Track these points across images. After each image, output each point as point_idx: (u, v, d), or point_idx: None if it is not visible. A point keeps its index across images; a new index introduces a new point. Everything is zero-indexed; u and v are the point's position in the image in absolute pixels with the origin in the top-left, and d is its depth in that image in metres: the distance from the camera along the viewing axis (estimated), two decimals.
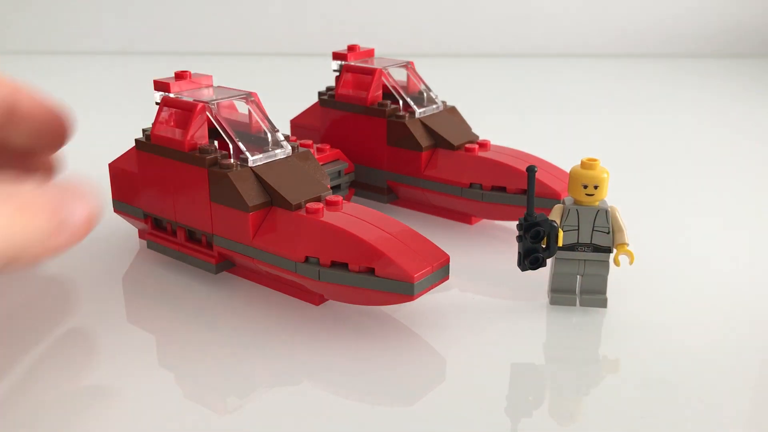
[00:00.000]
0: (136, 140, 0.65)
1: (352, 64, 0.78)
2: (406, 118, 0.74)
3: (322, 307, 0.60)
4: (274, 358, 0.54)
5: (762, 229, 0.77)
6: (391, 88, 0.76)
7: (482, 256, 0.69)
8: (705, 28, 1.75)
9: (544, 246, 0.57)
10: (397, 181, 0.76)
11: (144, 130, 0.66)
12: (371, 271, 0.54)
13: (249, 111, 0.64)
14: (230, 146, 0.61)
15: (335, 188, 0.74)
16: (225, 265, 0.64)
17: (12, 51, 1.74)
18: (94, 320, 0.59)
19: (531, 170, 0.56)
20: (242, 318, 0.59)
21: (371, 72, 0.76)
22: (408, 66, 0.79)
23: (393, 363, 0.53)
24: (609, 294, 0.60)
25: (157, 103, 0.64)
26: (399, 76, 0.78)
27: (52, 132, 0.62)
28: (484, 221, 0.77)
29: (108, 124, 1.16)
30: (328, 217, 0.57)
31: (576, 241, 0.58)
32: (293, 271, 0.57)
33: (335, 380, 0.52)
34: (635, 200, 0.83)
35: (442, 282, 0.56)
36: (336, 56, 0.80)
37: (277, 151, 0.62)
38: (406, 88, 0.78)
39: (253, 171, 0.60)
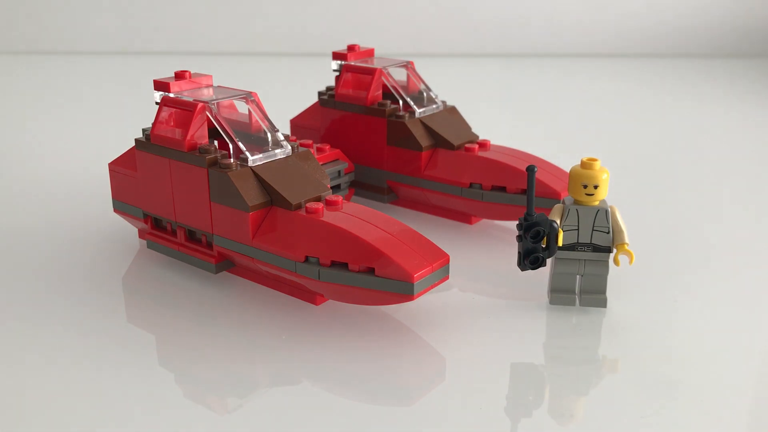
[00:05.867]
0: (136, 140, 0.65)
1: (352, 63, 0.78)
2: (406, 118, 0.74)
3: (322, 307, 0.60)
4: (274, 358, 0.54)
5: (762, 229, 0.77)
6: (391, 88, 0.76)
7: (482, 256, 0.69)
8: (706, 28, 1.75)
9: (544, 246, 0.57)
10: (397, 180, 0.76)
11: (144, 130, 0.66)
12: (371, 270, 0.54)
13: (249, 111, 0.64)
14: (230, 146, 0.61)
15: (335, 188, 0.74)
16: (225, 264, 0.64)
17: (12, 51, 1.74)
18: (94, 320, 0.59)
19: (531, 170, 0.56)
20: (242, 318, 0.59)
21: (371, 72, 0.76)
22: (408, 66, 0.79)
23: (393, 363, 0.53)
24: (609, 294, 0.60)
25: (157, 103, 0.64)
26: (399, 75, 0.78)
27: None
28: (484, 221, 0.77)
29: (108, 124, 1.16)
30: (328, 216, 0.57)
31: (576, 241, 0.58)
32: (293, 270, 0.57)
33: (335, 380, 0.52)
34: (635, 200, 0.83)
35: (442, 282, 0.56)
36: (336, 56, 0.80)
37: (277, 150, 0.62)
38: (406, 88, 0.78)
39: (252, 171, 0.60)
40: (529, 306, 0.61)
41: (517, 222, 0.58)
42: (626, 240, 0.57)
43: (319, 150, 0.73)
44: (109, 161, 0.70)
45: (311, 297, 0.60)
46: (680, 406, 0.49)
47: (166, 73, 0.73)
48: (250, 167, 0.60)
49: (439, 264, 0.55)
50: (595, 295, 0.60)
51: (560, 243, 0.57)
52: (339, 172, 0.74)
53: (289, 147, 0.63)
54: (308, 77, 1.31)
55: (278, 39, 1.76)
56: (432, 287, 0.55)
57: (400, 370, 0.53)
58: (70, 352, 0.55)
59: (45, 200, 0.84)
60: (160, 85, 0.65)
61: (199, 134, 0.61)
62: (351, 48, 0.80)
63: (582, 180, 0.57)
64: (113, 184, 0.69)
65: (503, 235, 0.74)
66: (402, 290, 0.53)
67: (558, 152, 0.89)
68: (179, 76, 0.65)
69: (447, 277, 0.57)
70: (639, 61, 1.70)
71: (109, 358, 0.54)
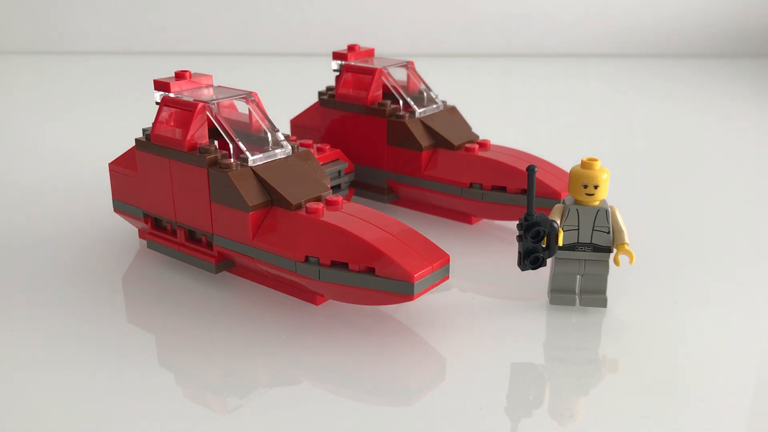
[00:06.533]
0: (136, 140, 0.65)
1: (352, 63, 0.78)
2: (406, 118, 0.74)
3: (322, 306, 0.60)
4: (274, 358, 0.54)
5: (762, 229, 0.77)
6: (391, 88, 0.76)
7: (482, 256, 0.69)
8: (705, 28, 1.75)
9: (544, 246, 0.57)
10: (397, 180, 0.76)
11: (144, 130, 0.66)
12: (371, 270, 0.54)
13: (249, 111, 0.64)
14: (230, 146, 0.61)
15: (335, 188, 0.74)
16: (225, 264, 0.64)
17: (12, 51, 1.74)
18: (94, 320, 0.59)
19: (531, 170, 0.56)
20: (242, 318, 0.59)
21: (371, 72, 0.76)
22: (408, 66, 0.79)
23: (393, 363, 0.53)
24: (609, 294, 0.60)
25: (157, 103, 0.64)
26: (399, 75, 0.78)
27: None
28: (484, 221, 0.77)
29: (108, 124, 1.16)
30: (328, 216, 0.57)
31: (576, 241, 0.58)
32: (293, 270, 0.57)
33: (335, 380, 0.52)
34: (635, 200, 0.83)
35: (442, 282, 0.56)
36: (336, 56, 0.80)
37: (277, 150, 0.62)
38: (406, 88, 0.78)
39: (253, 171, 0.60)
40: (529, 306, 0.61)
41: (517, 222, 0.58)
42: (626, 240, 0.57)
43: (319, 150, 0.73)
44: (110, 161, 0.70)
45: (311, 297, 0.60)
46: (680, 406, 0.49)
47: (166, 73, 0.73)
48: (251, 167, 0.60)
49: (440, 264, 0.55)
50: (595, 295, 0.60)
51: (560, 243, 0.57)
52: (339, 172, 0.74)
53: (290, 147, 0.63)
54: (308, 77, 1.31)
55: (278, 39, 1.75)
56: (432, 287, 0.55)
57: (400, 370, 0.53)
58: (70, 352, 0.55)
59: (45, 200, 0.84)
60: (160, 85, 0.65)
61: (199, 134, 0.61)
62: (351, 48, 0.80)
63: (582, 180, 0.57)
64: (113, 184, 0.69)
65: (503, 235, 0.74)
66: (402, 290, 0.53)
67: (558, 152, 0.89)
68: (179, 76, 0.65)
69: (447, 277, 0.57)
70: (639, 61, 1.70)
71: (109, 357, 0.54)
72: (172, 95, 0.63)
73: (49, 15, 1.73)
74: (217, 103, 0.62)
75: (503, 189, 0.71)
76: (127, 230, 0.75)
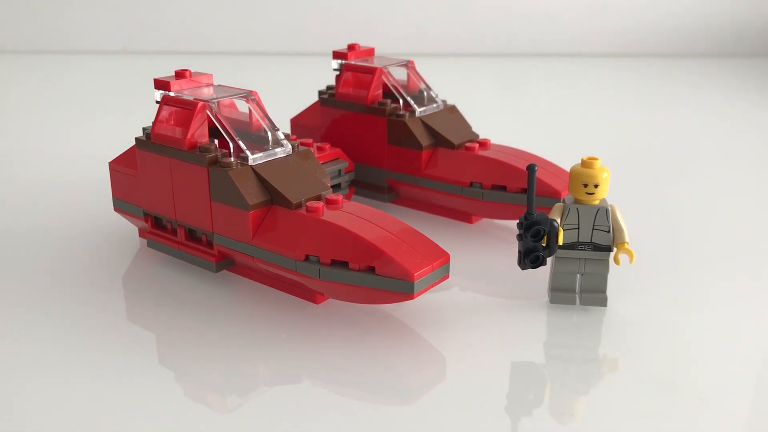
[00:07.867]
0: (137, 139, 0.65)
1: (353, 63, 0.78)
2: (407, 117, 0.74)
3: (322, 305, 0.60)
4: (274, 357, 0.54)
5: (762, 228, 0.77)
6: (391, 87, 0.76)
7: (482, 255, 0.69)
8: (705, 28, 1.75)
9: (544, 245, 0.57)
10: (397, 180, 0.76)
11: (144, 129, 0.66)
12: (371, 269, 0.54)
13: (249, 110, 0.64)
14: (230, 145, 0.61)
15: (335, 187, 0.74)
16: (225, 263, 0.64)
17: (12, 51, 1.74)
18: (94, 320, 0.59)
19: (531, 169, 0.56)
20: (242, 317, 0.59)
21: (371, 71, 0.76)
22: (408, 65, 0.79)
23: (393, 362, 0.53)
24: (609, 293, 0.60)
25: (157, 102, 0.64)
26: (399, 75, 0.78)
27: None
28: (485, 220, 0.77)
29: (108, 123, 1.16)
30: (329, 215, 0.57)
31: (576, 240, 0.58)
32: (293, 269, 0.57)
33: (335, 379, 0.52)
34: (635, 199, 0.83)
35: (443, 281, 0.56)
36: (336, 55, 0.80)
37: (278, 149, 0.62)
38: (406, 87, 0.78)
39: (253, 169, 0.60)
40: (530, 305, 0.61)
41: (517, 221, 0.58)
42: (626, 239, 0.57)
43: (319, 149, 0.73)
44: (110, 160, 0.70)
45: (311, 296, 0.60)
46: (680, 405, 0.49)
47: (166, 72, 0.73)
48: (251, 166, 0.60)
49: (440, 263, 0.55)
50: (595, 294, 0.60)
51: (560, 242, 0.57)
52: (339, 171, 0.74)
53: (290, 146, 0.63)
54: (308, 76, 1.31)
55: (278, 39, 1.75)
56: (432, 286, 0.55)
57: (400, 369, 0.53)
58: (71, 351, 0.55)
59: (45, 200, 0.84)
60: (160, 84, 0.65)
61: (199, 133, 0.61)
62: (351, 47, 0.80)
63: (582, 179, 0.57)
64: (114, 183, 0.69)
65: (504, 234, 0.74)
66: (402, 289, 0.53)
67: (558, 151, 0.89)
68: (179, 75, 0.65)
69: (447, 276, 0.57)
70: (639, 61, 1.70)
71: (110, 356, 0.54)
72: (172, 94, 0.63)
73: (49, 15, 1.73)
74: (218, 102, 0.62)
75: (503, 188, 0.71)
76: (127, 229, 0.75)
